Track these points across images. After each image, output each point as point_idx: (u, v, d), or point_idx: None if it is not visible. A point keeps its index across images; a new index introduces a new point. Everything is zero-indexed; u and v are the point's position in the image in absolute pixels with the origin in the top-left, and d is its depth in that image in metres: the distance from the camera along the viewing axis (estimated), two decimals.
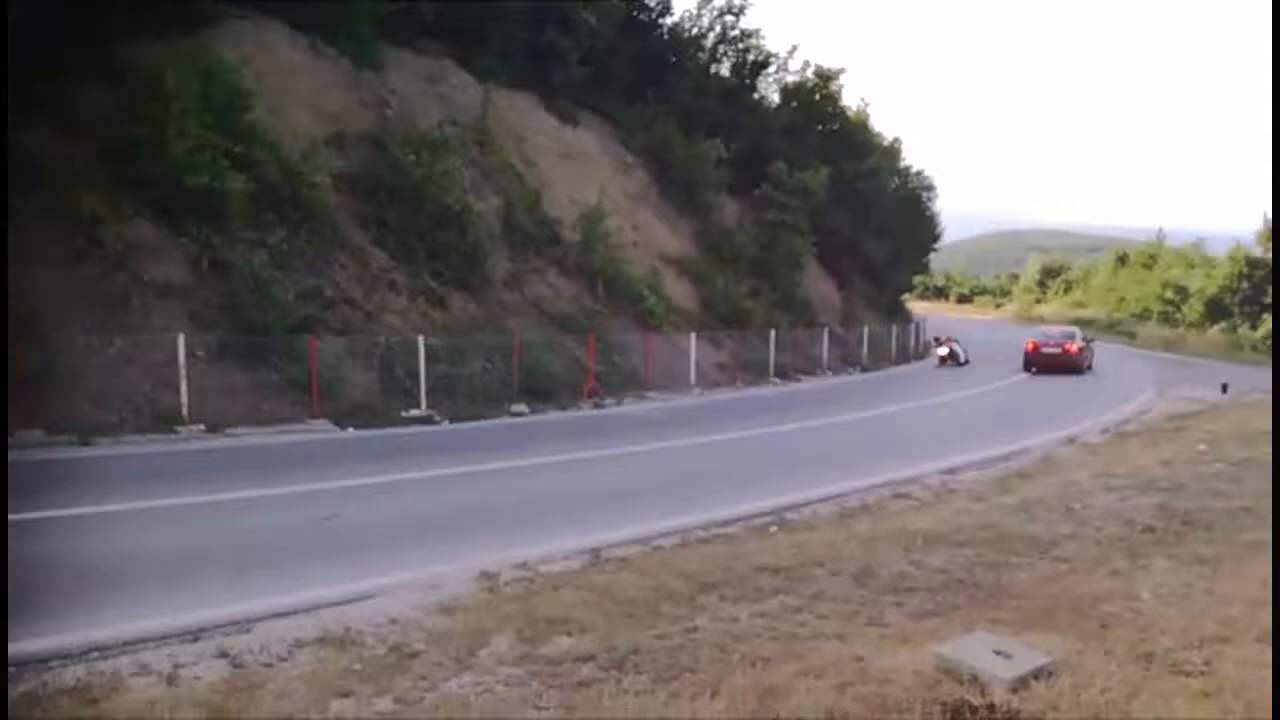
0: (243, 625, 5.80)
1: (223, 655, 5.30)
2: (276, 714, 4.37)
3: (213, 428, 13.57)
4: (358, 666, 5.04)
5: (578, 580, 6.78)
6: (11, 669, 4.87)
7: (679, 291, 26.73)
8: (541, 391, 18.62)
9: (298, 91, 19.10)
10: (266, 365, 14.99)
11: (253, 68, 16.89)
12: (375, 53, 21.34)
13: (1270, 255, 45.52)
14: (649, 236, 27.45)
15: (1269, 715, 4.07)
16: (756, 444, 15.24)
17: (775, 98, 36.49)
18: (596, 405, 19.33)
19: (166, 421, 13.46)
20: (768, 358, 26.74)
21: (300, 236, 16.69)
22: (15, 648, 5.22)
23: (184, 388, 13.72)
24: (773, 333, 27.22)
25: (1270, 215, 34.65)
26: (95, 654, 5.32)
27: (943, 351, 34.13)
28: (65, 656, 5.27)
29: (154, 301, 14.67)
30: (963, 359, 33.33)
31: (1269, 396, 17.04)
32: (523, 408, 17.69)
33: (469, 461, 12.29)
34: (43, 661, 5.17)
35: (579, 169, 25.85)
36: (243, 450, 12.84)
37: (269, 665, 5.15)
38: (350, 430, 14.64)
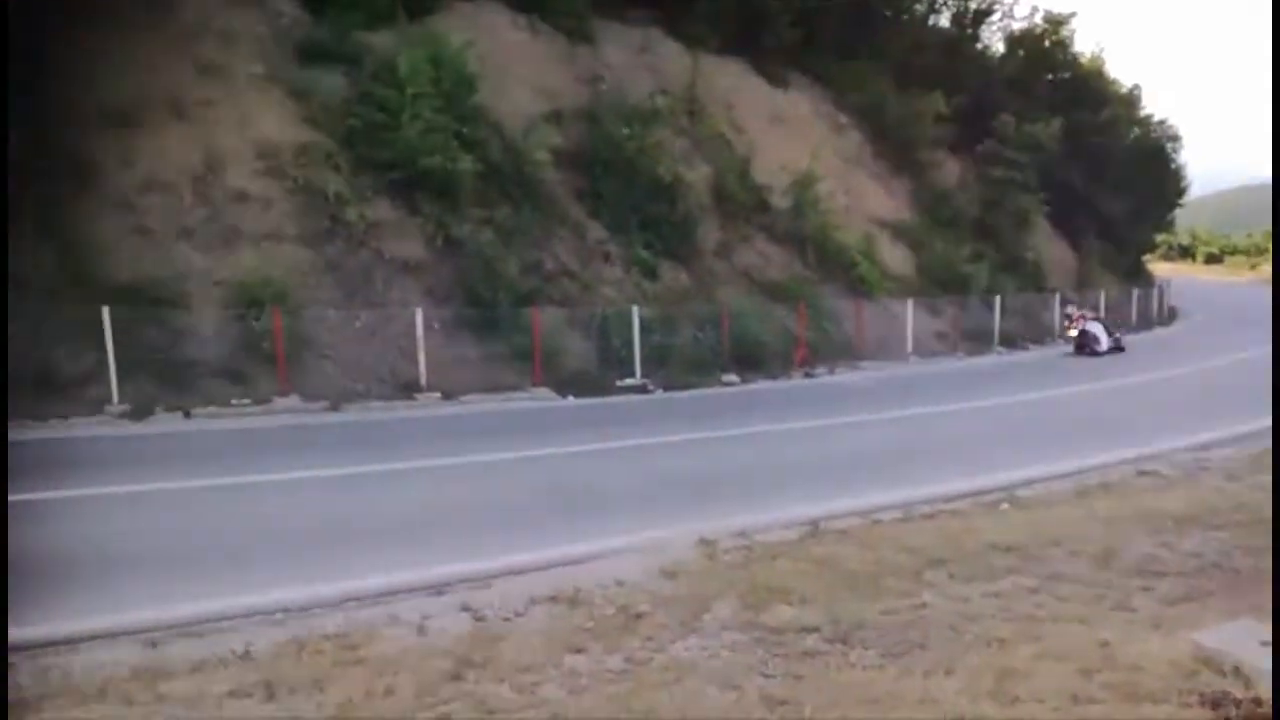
0: (482, 581, 6.15)
1: (465, 609, 5.64)
2: (516, 666, 4.62)
3: (447, 395, 14.52)
4: (589, 625, 5.25)
5: (796, 551, 6.75)
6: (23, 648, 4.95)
7: (894, 256, 25.90)
8: (751, 360, 18.61)
9: (518, 71, 19.80)
10: (494, 336, 15.82)
11: (477, 50, 17.65)
12: (589, 27, 21.82)
13: None
14: (862, 200, 26.70)
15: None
16: (980, 416, 14.54)
17: (1000, 47, 34.58)
18: (807, 375, 19.12)
19: (406, 389, 14.52)
20: (992, 325, 25.50)
21: (523, 212, 17.41)
22: (279, 595, 5.80)
23: (421, 358, 14.71)
24: (997, 298, 25.90)
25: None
26: (352, 604, 5.80)
27: (1073, 332, 23.68)
28: (324, 605, 5.76)
29: (393, 277, 15.78)
30: (1103, 346, 23.00)
31: None
32: (733, 377, 17.76)
33: (683, 430, 12.45)
34: (304, 609, 5.68)
35: (789, 133, 25.44)
36: (475, 416, 13.64)
37: (507, 620, 5.44)
38: (570, 398, 15.22)
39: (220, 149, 15.22)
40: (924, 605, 5.39)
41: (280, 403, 13.38)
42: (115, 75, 14.82)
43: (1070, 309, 25.52)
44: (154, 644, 5.15)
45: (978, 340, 24.84)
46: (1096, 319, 24.48)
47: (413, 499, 8.72)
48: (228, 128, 15.48)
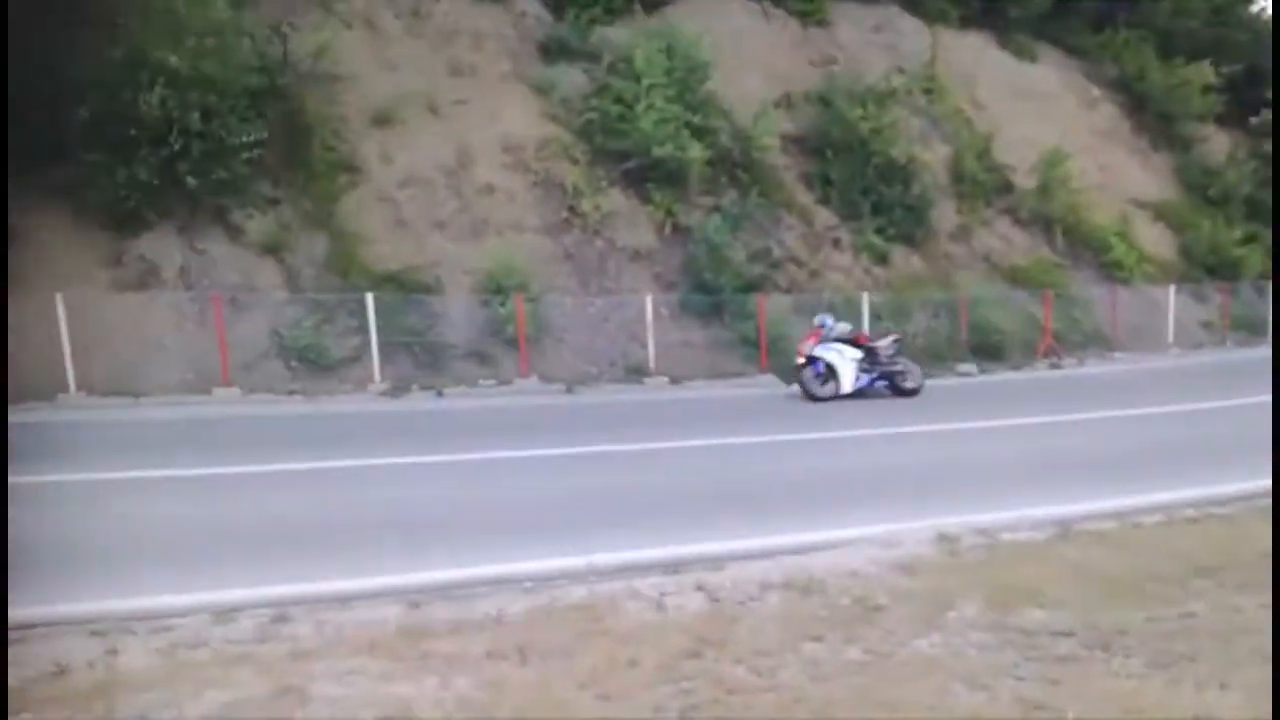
0: (715, 563, 6.23)
1: (700, 589, 5.71)
2: (753, 649, 4.66)
3: (675, 380, 14.87)
4: (824, 614, 5.19)
5: (1045, 552, 6.39)
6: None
7: (1153, 239, 23.83)
8: (991, 350, 17.80)
9: (749, 56, 19.82)
10: (720, 323, 16.07)
11: (710, 38, 17.82)
12: (823, 9, 21.49)
13: None
14: (1117, 178, 24.73)
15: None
16: (1252, 414, 13.13)
17: None
18: (1053, 366, 18.04)
19: (636, 373, 15.00)
20: (1265, 314, 22.98)
21: (750, 199, 17.46)
22: (528, 565, 6.10)
23: (650, 344, 15.14)
24: (1272, 285, 23.32)
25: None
26: (594, 577, 6.03)
27: (800, 359, 13.85)
28: (568, 576, 6.03)
29: (624, 265, 16.29)
30: (845, 386, 13.59)
31: None
32: (970, 367, 17.03)
33: (916, 421, 12.04)
34: (550, 579, 5.95)
35: (1036, 108, 23.94)
36: (701, 401, 13.85)
37: (741, 603, 5.47)
38: (794, 386, 15.07)
39: (470, 145, 16.23)
40: (1192, 614, 4.97)
41: (521, 384, 14.20)
42: (379, 79, 16.12)
43: (819, 319, 14.21)
44: (415, 605, 5.55)
45: (1250, 330, 22.48)
46: (855, 340, 14.08)
47: (647, 479, 8.94)
48: (477, 124, 16.47)
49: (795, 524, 7.11)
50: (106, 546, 6.73)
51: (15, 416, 11.15)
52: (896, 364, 14.11)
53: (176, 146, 13.40)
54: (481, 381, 14.13)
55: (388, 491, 8.39)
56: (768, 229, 17.70)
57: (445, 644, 4.93)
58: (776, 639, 4.80)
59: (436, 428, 11.75)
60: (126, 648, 4.88)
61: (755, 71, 19.75)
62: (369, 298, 13.89)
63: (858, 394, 13.56)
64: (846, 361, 13.67)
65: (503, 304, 14.65)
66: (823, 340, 13.75)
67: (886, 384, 13.96)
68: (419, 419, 12.37)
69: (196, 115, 13.46)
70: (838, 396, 13.52)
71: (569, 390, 14.17)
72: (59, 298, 12.57)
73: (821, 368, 13.60)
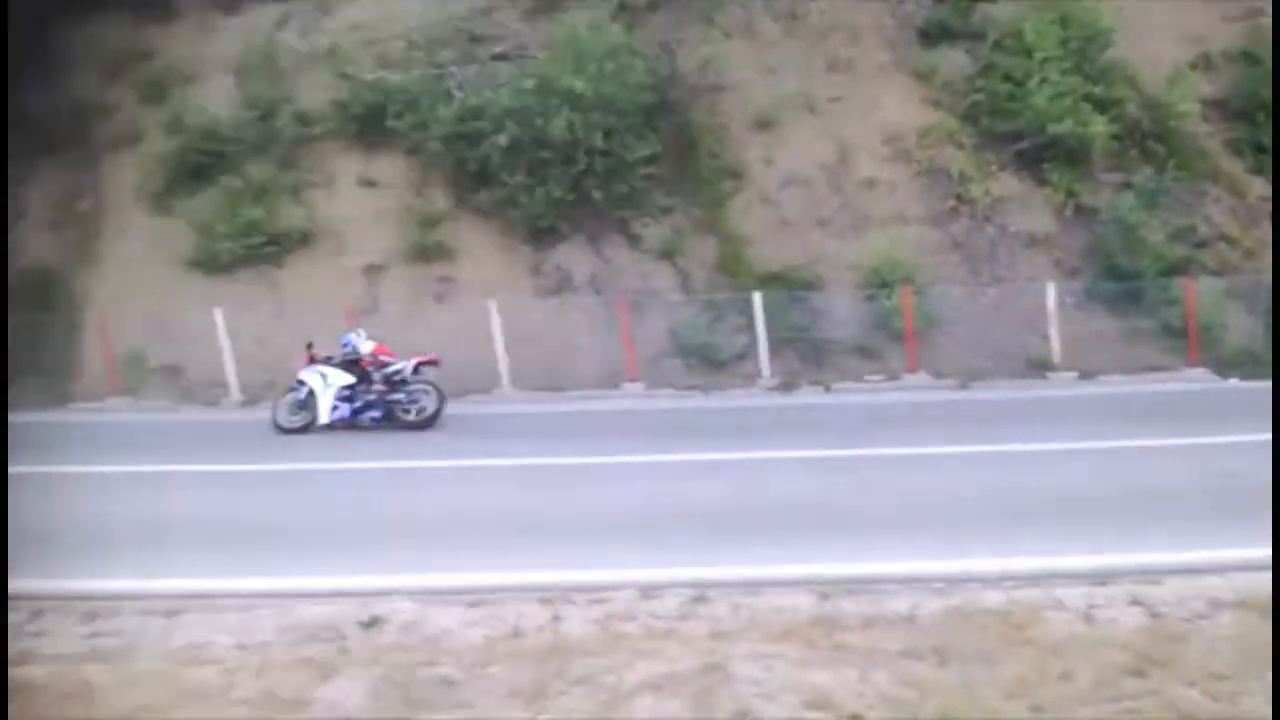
0: (1151, 576, 5.66)
1: (1136, 603, 5.24)
2: (1208, 672, 4.22)
3: (1084, 375, 13.73)
4: None
5: None
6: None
7: None
8: None
9: (1155, 18, 17.75)
10: (1136, 311, 14.53)
11: (1111, 3, 16.29)
12: None
13: None
14: None
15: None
16: None
17: None
18: None
19: (1037, 367, 14.07)
20: None
21: (1168, 173, 15.68)
22: (939, 565, 5.92)
23: (1053, 335, 14.10)
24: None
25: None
26: (1010, 582, 5.71)
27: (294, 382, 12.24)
28: (983, 580, 5.75)
29: (1019, 251, 15.35)
30: (321, 414, 11.86)
31: None
32: None
33: None
34: (962, 581, 5.71)
35: None
36: (1119, 397, 12.69)
37: (1188, 621, 4.96)
38: (1233, 380, 13.38)
39: (849, 140, 16.16)
40: None
41: (910, 379, 13.92)
42: (758, 83, 16.56)
43: (348, 337, 12.36)
44: (825, 596, 5.61)
45: None
46: (357, 362, 12.02)
47: (1056, 481, 8.36)
48: (855, 119, 16.34)
49: (1243, 537, 6.27)
50: (552, 520, 7.56)
51: (461, 407, 12.89)
52: (399, 392, 11.86)
53: (583, 165, 14.74)
54: (868, 376, 14.03)
55: (785, 482, 8.60)
56: (1190, 205, 15.76)
57: (858, 637, 4.95)
58: (1235, 663, 4.30)
59: (833, 422, 11.90)
60: (568, 616, 5.42)
61: (1162, 33, 17.64)
62: (756, 297, 14.32)
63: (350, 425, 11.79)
64: (327, 388, 11.88)
65: (888, 297, 14.41)
66: (314, 362, 12.02)
67: (380, 415, 11.82)
68: (809, 413, 12.60)
69: (599, 135, 14.68)
70: (310, 428, 11.73)
71: (962, 386, 13.63)
72: (492, 305, 14.30)
73: (304, 394, 11.88)
